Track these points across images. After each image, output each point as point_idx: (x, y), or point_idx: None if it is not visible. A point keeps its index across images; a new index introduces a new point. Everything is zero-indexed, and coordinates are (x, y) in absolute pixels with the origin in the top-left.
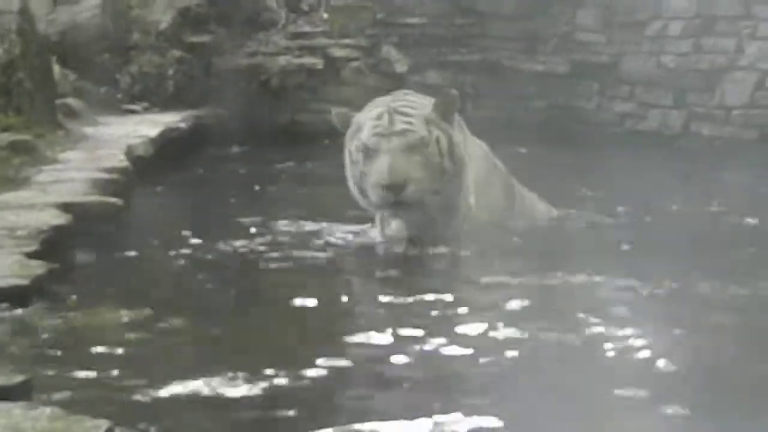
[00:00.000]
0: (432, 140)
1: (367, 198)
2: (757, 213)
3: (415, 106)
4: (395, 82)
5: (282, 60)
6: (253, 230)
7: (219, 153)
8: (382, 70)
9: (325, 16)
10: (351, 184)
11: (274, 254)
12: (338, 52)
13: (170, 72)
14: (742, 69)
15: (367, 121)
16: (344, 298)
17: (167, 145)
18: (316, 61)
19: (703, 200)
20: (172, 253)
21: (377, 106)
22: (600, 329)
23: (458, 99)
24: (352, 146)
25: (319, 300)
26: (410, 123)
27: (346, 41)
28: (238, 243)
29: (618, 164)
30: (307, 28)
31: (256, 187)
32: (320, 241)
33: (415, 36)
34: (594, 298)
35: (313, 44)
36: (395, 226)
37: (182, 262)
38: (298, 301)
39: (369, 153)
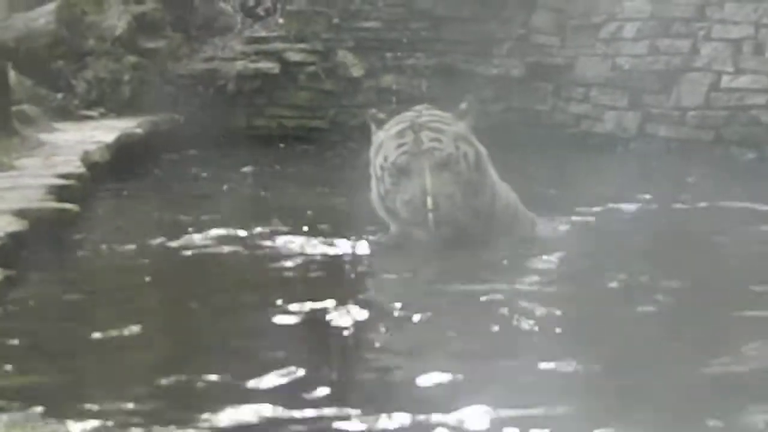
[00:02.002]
0: (460, 156)
1: (392, 214)
2: (707, 214)
3: (439, 121)
4: (351, 87)
5: (238, 65)
6: (209, 234)
7: (175, 158)
8: (338, 74)
9: (281, 20)
10: (374, 197)
11: (229, 257)
12: (294, 57)
13: (126, 78)
14: (697, 70)
15: (389, 139)
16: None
17: (124, 151)
18: (272, 66)
19: (658, 200)
20: (126, 258)
21: (400, 123)
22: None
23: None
24: (376, 162)
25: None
26: (438, 140)
27: (302, 46)
28: (187, 246)
29: (574, 166)
30: (263, 33)
31: (212, 192)
32: (274, 244)
33: (371, 40)
34: None
35: (269, 49)
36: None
37: (137, 267)
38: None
39: (398, 172)
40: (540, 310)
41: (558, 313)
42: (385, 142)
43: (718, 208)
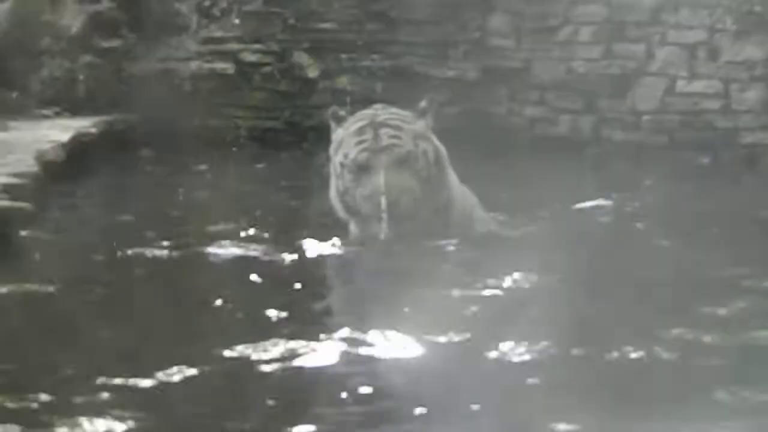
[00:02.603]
0: (420, 153)
1: (352, 211)
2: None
3: (399, 119)
4: (306, 88)
5: (193, 65)
6: (159, 234)
7: (130, 158)
8: (293, 75)
9: (237, 21)
10: (333, 194)
11: (174, 259)
12: (249, 58)
13: (81, 77)
14: (652, 75)
15: (349, 137)
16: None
17: (78, 150)
18: (227, 66)
19: (611, 203)
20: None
21: (359, 120)
22: None
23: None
24: (336, 160)
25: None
26: (398, 137)
27: (258, 46)
28: (136, 245)
29: (529, 169)
30: (218, 33)
31: (165, 192)
32: (222, 244)
33: (327, 41)
34: None
35: (224, 49)
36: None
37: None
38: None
39: (357, 169)
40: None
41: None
42: (345, 139)
43: (668, 211)
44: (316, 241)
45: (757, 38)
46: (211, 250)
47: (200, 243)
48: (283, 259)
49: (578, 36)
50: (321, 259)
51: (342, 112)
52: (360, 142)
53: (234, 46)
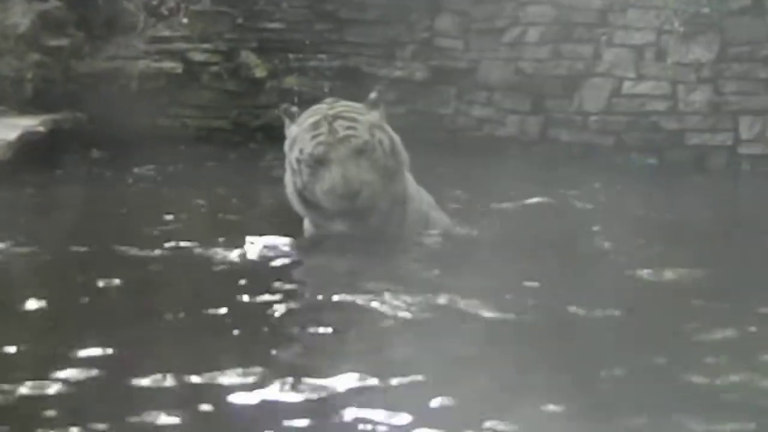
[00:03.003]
0: (376, 143)
1: (311, 206)
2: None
3: (352, 111)
4: (254, 87)
5: (141, 64)
6: (103, 234)
7: (78, 157)
8: (240, 75)
9: (185, 20)
10: (290, 191)
11: (121, 258)
12: (197, 57)
13: (29, 75)
14: (599, 76)
15: (304, 131)
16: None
17: (26, 149)
18: (175, 66)
19: (554, 203)
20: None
21: (313, 115)
22: None
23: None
24: (291, 156)
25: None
26: (353, 128)
27: (205, 46)
28: (82, 244)
29: (476, 170)
30: (166, 33)
31: (113, 190)
32: (171, 245)
33: (274, 41)
34: None
35: (172, 48)
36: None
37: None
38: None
39: (315, 163)
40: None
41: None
42: (300, 134)
43: (610, 212)
44: (261, 239)
45: (704, 40)
46: (154, 249)
47: (143, 242)
48: (225, 257)
49: (526, 37)
50: (265, 257)
51: (294, 109)
52: (315, 136)
53: (182, 45)
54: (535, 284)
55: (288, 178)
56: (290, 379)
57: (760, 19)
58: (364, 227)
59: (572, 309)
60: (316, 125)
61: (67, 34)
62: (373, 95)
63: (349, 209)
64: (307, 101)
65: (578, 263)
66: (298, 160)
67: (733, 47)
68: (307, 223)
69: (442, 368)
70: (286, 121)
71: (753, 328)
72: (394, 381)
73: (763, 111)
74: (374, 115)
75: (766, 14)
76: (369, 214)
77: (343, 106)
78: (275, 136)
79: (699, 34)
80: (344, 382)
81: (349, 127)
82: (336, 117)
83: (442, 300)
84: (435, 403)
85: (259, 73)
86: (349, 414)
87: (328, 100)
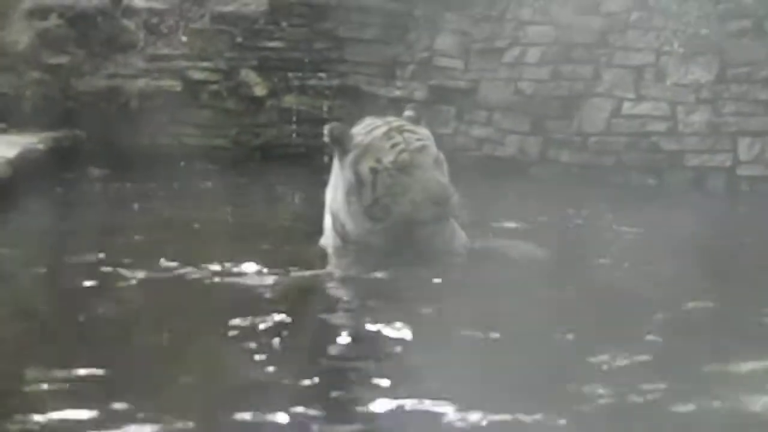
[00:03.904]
0: (441, 155)
1: (376, 222)
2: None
3: (411, 125)
4: (253, 106)
5: (140, 82)
6: (105, 253)
7: (77, 175)
8: (240, 93)
9: (184, 38)
10: (355, 208)
11: (121, 279)
12: (197, 75)
13: (28, 93)
14: (598, 96)
15: (376, 141)
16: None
17: (25, 167)
18: (174, 84)
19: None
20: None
21: (376, 126)
22: None
23: None
24: (362, 168)
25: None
26: (422, 140)
27: (205, 64)
28: (83, 263)
29: (476, 189)
30: (165, 51)
31: (112, 209)
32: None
33: (274, 60)
34: None
35: (171, 67)
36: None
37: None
38: None
39: (400, 173)
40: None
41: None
42: (372, 144)
43: (610, 232)
44: (264, 264)
45: (703, 61)
46: (150, 270)
47: (140, 262)
48: (222, 278)
49: (526, 57)
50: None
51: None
52: (395, 145)
53: (181, 63)
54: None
55: (341, 199)
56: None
57: (759, 41)
58: (419, 243)
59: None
60: (388, 136)
61: (66, 51)
62: (411, 113)
63: (436, 216)
64: (306, 120)
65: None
66: (374, 171)
67: (732, 68)
68: (337, 254)
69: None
70: (337, 143)
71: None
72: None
73: (762, 132)
74: (426, 131)
75: (765, 36)
76: (452, 220)
77: (399, 120)
78: (274, 154)
79: (698, 55)
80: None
81: (419, 139)
82: (402, 129)
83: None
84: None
85: (259, 91)
86: None
87: (374, 117)
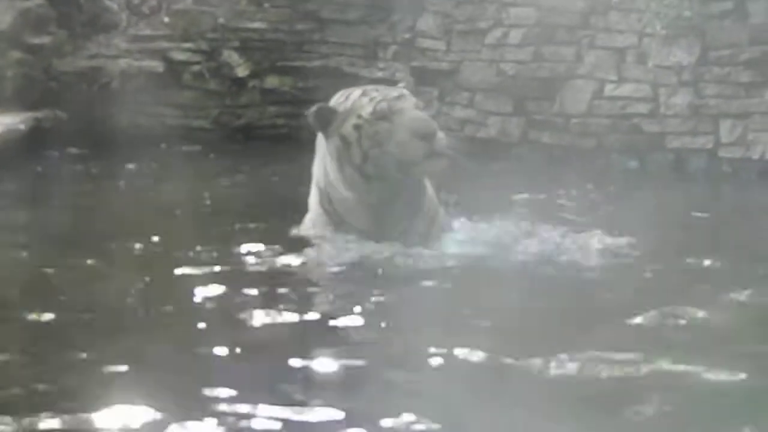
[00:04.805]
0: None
1: (371, 180)
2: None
3: (388, 88)
4: (235, 87)
5: (122, 63)
6: (87, 233)
7: (58, 155)
8: (222, 74)
9: (166, 19)
10: (349, 171)
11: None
12: (179, 56)
13: (9, 73)
14: (580, 77)
15: (355, 101)
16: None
17: (6, 147)
18: (156, 65)
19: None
20: None
21: (353, 91)
22: None
23: None
24: (345, 129)
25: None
26: (400, 91)
27: (187, 45)
28: (63, 244)
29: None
30: (147, 32)
31: (93, 189)
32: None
33: (256, 41)
34: None
35: (153, 47)
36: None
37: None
38: None
39: (381, 120)
40: None
41: None
42: (352, 105)
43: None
44: (252, 244)
45: (685, 43)
46: (130, 250)
47: (120, 243)
48: (207, 262)
49: (508, 38)
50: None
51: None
52: (372, 99)
53: (163, 44)
54: None
55: (333, 169)
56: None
57: (741, 23)
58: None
59: None
60: (365, 93)
61: (48, 32)
62: (401, 84)
63: (430, 152)
64: (288, 101)
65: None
66: (357, 126)
67: (714, 51)
68: (325, 236)
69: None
70: (318, 120)
71: None
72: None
73: (743, 114)
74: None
75: (747, 18)
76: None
77: (377, 86)
78: (256, 135)
79: (680, 38)
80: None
81: (397, 91)
82: (377, 88)
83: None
84: None
85: (241, 72)
86: None
87: (342, 90)
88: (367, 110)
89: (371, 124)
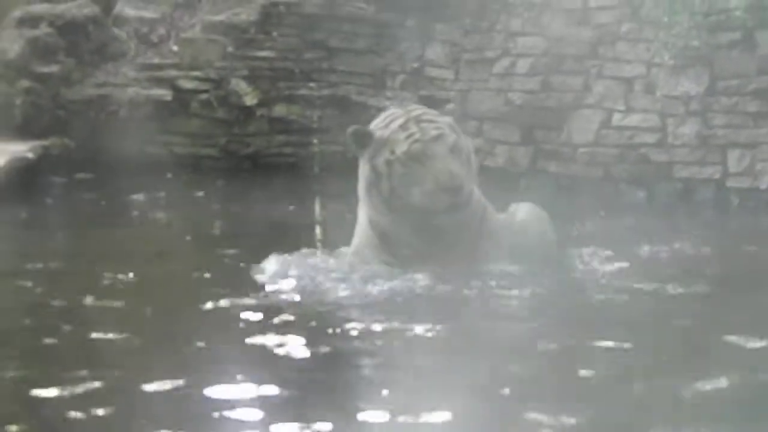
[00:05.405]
0: (462, 144)
1: (400, 211)
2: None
3: (431, 114)
4: (243, 115)
5: (130, 91)
6: (96, 260)
7: (66, 183)
8: (230, 102)
9: (175, 48)
10: (377, 201)
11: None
12: (187, 84)
13: (18, 101)
14: (588, 107)
15: (393, 134)
16: None
17: (14, 175)
18: (165, 93)
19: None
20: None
21: (395, 118)
22: None
23: None
24: (378, 162)
25: None
26: (441, 129)
27: (195, 73)
28: (72, 273)
29: None
30: (156, 60)
31: (101, 218)
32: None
33: (265, 69)
34: None
35: (161, 76)
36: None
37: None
38: None
39: (411, 161)
40: None
41: None
42: (389, 136)
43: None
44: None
45: (693, 73)
46: (140, 275)
47: (128, 267)
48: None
49: (516, 68)
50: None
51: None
52: (409, 136)
53: (171, 72)
54: None
55: (367, 187)
56: None
57: (749, 53)
58: (443, 233)
59: None
60: (404, 127)
61: (56, 60)
62: (449, 109)
63: (450, 206)
64: (296, 130)
65: None
66: (389, 162)
67: (722, 81)
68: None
69: None
70: (356, 143)
71: None
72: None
73: (751, 144)
74: (450, 119)
75: (755, 48)
76: (465, 209)
77: (421, 109)
78: (264, 164)
79: (688, 67)
80: None
81: (437, 128)
82: (420, 119)
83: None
84: None
85: (249, 101)
86: None
87: (396, 107)
88: (401, 148)
89: (402, 164)
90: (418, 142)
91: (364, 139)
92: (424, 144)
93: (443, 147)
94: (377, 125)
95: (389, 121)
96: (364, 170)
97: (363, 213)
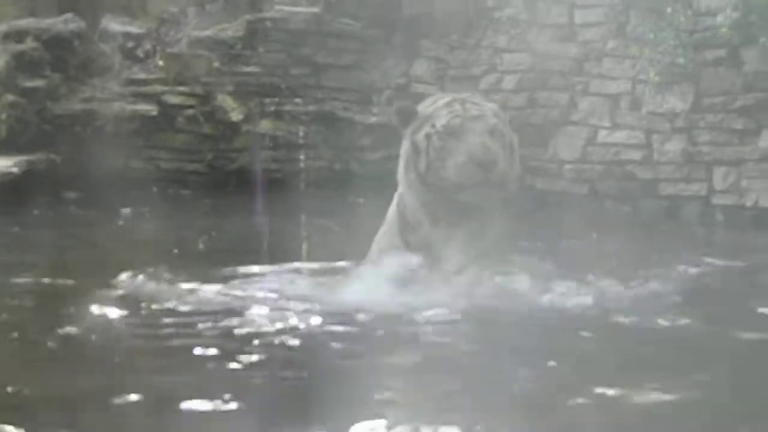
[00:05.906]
0: (502, 128)
1: (433, 186)
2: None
3: (478, 99)
4: (229, 131)
5: (116, 106)
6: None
7: (52, 199)
8: (216, 118)
9: (161, 63)
10: (413, 176)
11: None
12: (173, 100)
13: (3, 116)
14: (574, 124)
15: (436, 110)
16: None
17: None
18: (150, 108)
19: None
20: None
21: (442, 98)
22: None
23: None
24: (419, 136)
25: None
26: (483, 111)
27: (181, 89)
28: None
29: None
30: (141, 75)
31: (87, 233)
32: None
33: (251, 85)
34: None
35: (147, 91)
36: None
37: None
38: None
39: (449, 135)
40: None
41: None
42: (433, 112)
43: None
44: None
45: (679, 90)
46: (129, 292)
47: (110, 286)
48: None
49: (502, 84)
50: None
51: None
52: (451, 111)
53: (157, 88)
54: None
55: (406, 164)
56: None
57: (735, 70)
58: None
59: None
60: (449, 104)
61: (42, 75)
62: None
63: (483, 182)
64: (282, 146)
65: None
66: (428, 135)
67: (707, 98)
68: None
69: None
70: (400, 117)
71: None
72: None
73: (736, 162)
74: (495, 106)
75: (740, 65)
76: (497, 189)
77: (469, 93)
78: (250, 180)
79: (674, 84)
80: None
81: (479, 109)
82: (466, 100)
83: None
84: None
85: (235, 116)
86: None
87: (440, 93)
88: (441, 122)
89: (440, 137)
90: (458, 117)
91: (408, 115)
92: (463, 120)
93: (482, 125)
94: (424, 105)
95: (435, 100)
96: (404, 147)
97: (395, 198)
